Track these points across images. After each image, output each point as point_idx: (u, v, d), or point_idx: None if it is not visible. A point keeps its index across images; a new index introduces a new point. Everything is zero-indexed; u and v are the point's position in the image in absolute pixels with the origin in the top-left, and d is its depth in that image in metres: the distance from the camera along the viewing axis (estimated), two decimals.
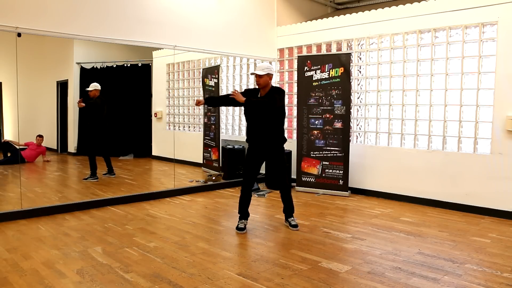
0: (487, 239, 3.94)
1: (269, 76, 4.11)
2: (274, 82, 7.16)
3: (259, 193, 5.95)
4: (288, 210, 4.32)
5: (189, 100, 8.55)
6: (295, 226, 4.22)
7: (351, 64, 5.94)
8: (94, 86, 6.75)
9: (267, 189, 6.36)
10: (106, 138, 6.85)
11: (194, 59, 8.27)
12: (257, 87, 4.16)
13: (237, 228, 4.13)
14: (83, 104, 6.63)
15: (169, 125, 8.83)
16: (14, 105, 8.80)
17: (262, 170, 6.29)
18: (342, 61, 5.87)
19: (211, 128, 7.42)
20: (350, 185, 5.98)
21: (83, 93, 8.83)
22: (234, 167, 6.88)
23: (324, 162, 6.05)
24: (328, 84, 5.98)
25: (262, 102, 3.99)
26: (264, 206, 5.28)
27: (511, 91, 4.65)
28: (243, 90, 4.34)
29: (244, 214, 4.22)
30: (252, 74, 4.15)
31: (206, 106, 7.57)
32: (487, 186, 4.83)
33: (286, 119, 7.07)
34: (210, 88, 7.39)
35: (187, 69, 8.52)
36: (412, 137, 5.55)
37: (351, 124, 6.01)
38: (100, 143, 6.78)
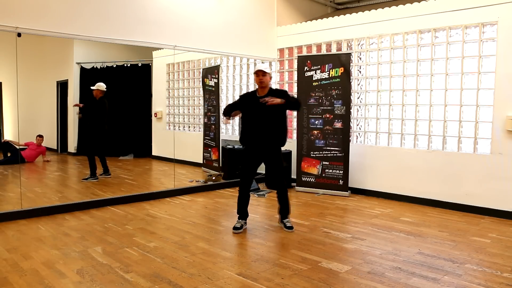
0: (487, 239, 3.94)
1: (270, 77, 4.16)
2: (274, 82, 7.17)
3: (259, 193, 5.95)
4: (284, 211, 4.28)
5: (189, 100, 8.55)
6: (290, 228, 4.17)
7: (351, 64, 5.94)
8: (98, 86, 6.73)
9: (267, 189, 6.35)
10: (106, 138, 6.85)
11: (194, 59, 8.27)
12: (251, 90, 4.18)
13: (234, 228, 4.13)
14: (81, 105, 6.74)
15: (169, 125, 8.83)
16: (14, 105, 8.80)
17: (262, 170, 6.29)
18: (342, 61, 5.87)
19: (211, 128, 7.42)
20: (350, 185, 5.98)
21: (84, 93, 8.85)
22: (234, 167, 6.87)
23: (324, 162, 6.05)
24: (328, 84, 5.98)
25: (298, 100, 4.22)
26: (264, 206, 5.28)
27: (511, 91, 4.65)
28: (237, 99, 4.29)
29: (242, 214, 4.22)
30: (258, 71, 4.03)
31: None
32: (487, 186, 4.83)
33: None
34: (210, 88, 7.39)
35: (187, 69, 8.52)
36: (412, 137, 5.55)
37: (351, 124, 6.01)
38: (99, 143, 6.78)
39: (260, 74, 4.04)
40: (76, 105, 7.11)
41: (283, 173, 4.28)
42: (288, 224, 4.21)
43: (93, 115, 6.74)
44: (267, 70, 4.07)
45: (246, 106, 4.15)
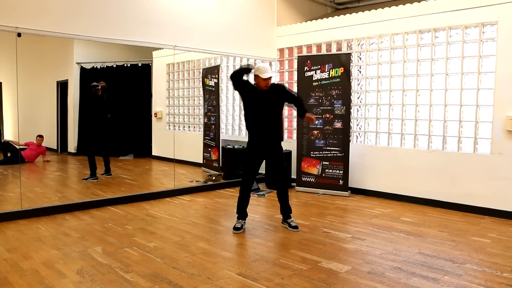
0: (487, 239, 3.94)
1: None
2: (274, 82, 7.16)
3: (259, 193, 5.95)
4: (286, 211, 4.29)
5: (189, 100, 8.55)
6: (295, 227, 4.19)
7: (351, 64, 5.94)
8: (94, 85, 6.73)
9: (267, 189, 6.35)
10: (108, 137, 6.85)
11: (194, 59, 8.27)
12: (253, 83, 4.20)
13: (234, 228, 4.13)
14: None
15: (169, 125, 8.83)
16: (14, 105, 8.80)
17: (262, 170, 6.28)
18: (342, 61, 5.87)
19: (211, 128, 7.42)
20: (350, 185, 5.98)
21: (84, 93, 8.85)
22: (234, 167, 6.87)
23: (324, 162, 6.05)
24: (328, 84, 5.98)
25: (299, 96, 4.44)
26: (264, 206, 5.28)
27: (511, 91, 4.65)
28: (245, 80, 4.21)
29: (242, 214, 4.22)
30: (268, 77, 4.05)
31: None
32: (487, 186, 4.83)
33: (286, 119, 7.10)
34: (210, 88, 7.39)
35: (187, 69, 8.52)
36: (412, 137, 5.55)
37: (351, 124, 6.01)
38: (101, 142, 6.78)
39: (269, 79, 4.09)
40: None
41: (284, 172, 4.29)
42: (293, 224, 4.21)
43: (92, 113, 6.74)
44: (273, 75, 4.18)
45: (249, 97, 4.14)
